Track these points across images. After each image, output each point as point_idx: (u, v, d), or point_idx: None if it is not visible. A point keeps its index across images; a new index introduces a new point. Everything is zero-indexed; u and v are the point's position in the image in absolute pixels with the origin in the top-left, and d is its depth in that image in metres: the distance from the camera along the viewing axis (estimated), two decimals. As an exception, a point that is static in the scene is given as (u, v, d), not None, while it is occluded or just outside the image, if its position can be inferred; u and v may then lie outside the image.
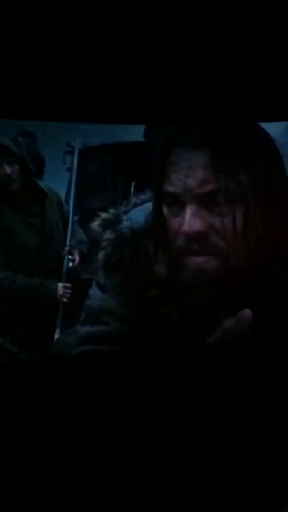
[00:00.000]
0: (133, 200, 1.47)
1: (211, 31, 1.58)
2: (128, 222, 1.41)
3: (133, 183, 1.63)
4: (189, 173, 1.29)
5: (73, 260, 1.71)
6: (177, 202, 1.33)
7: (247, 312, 1.39)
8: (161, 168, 1.33)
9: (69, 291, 1.68)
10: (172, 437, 1.58)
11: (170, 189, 1.32)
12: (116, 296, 1.42)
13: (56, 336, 1.65)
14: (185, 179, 1.29)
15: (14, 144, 1.63)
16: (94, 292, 1.46)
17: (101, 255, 1.44)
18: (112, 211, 1.45)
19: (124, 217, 1.43)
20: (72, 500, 1.41)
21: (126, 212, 1.44)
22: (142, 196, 1.46)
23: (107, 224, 1.43)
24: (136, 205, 1.45)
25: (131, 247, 1.39)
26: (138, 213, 1.41)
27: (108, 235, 1.42)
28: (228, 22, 1.59)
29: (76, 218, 1.72)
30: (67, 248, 1.71)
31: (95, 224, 1.45)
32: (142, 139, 1.70)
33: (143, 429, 1.57)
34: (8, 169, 1.63)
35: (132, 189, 1.62)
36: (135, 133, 1.71)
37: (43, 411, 1.53)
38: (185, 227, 1.30)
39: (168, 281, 1.37)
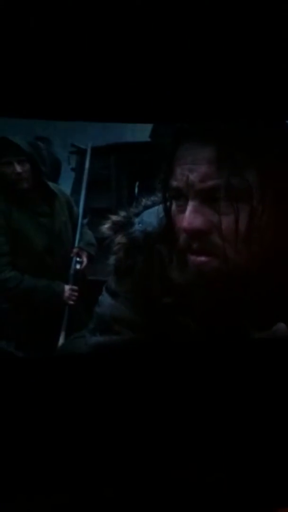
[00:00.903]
0: (144, 201, 1.41)
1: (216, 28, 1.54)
2: (140, 225, 1.34)
3: (137, 183, 1.60)
4: (193, 168, 1.23)
5: (81, 263, 1.68)
6: (182, 198, 1.27)
7: (281, 326, 1.32)
8: (169, 163, 1.28)
9: (76, 293, 1.65)
10: (172, 438, 1.54)
11: (174, 184, 1.27)
12: (128, 304, 1.35)
13: (61, 339, 1.62)
14: (189, 174, 1.23)
15: (28, 145, 1.61)
16: (105, 299, 1.39)
17: (112, 260, 1.37)
18: (122, 213, 1.39)
19: (136, 219, 1.36)
20: (73, 499, 1.38)
21: (137, 214, 1.38)
22: (153, 198, 1.39)
23: (118, 227, 1.37)
24: (147, 207, 1.39)
25: (144, 252, 1.32)
26: (151, 216, 1.35)
27: (120, 239, 1.35)
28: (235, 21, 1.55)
29: (86, 220, 1.69)
30: (75, 250, 1.68)
31: (105, 227, 1.39)
32: (147, 140, 1.67)
33: (147, 436, 1.54)
34: (18, 168, 1.61)
35: (136, 190, 1.60)
36: (140, 133, 1.68)
37: (47, 415, 1.50)
38: (185, 224, 1.24)
39: (185, 287, 1.29)
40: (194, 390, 1.59)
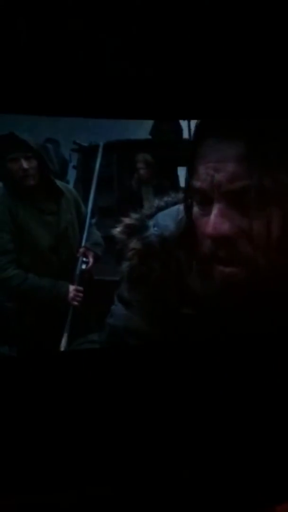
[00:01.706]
0: (156, 202, 1.32)
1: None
2: (155, 228, 1.25)
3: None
4: (219, 166, 1.11)
5: (87, 263, 1.64)
6: (206, 200, 1.15)
7: None
8: (191, 161, 1.17)
9: (80, 294, 1.61)
10: (173, 436, 1.51)
11: (198, 184, 1.15)
12: (143, 314, 1.25)
13: (64, 341, 1.58)
14: (214, 173, 1.12)
15: (35, 141, 1.58)
16: (117, 309, 1.30)
17: (125, 266, 1.27)
18: (134, 215, 1.30)
19: (150, 222, 1.27)
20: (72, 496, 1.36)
21: (150, 216, 1.29)
22: (166, 198, 1.31)
23: (131, 231, 1.27)
24: (160, 208, 1.30)
25: (161, 258, 1.22)
26: (166, 218, 1.26)
27: (134, 244, 1.25)
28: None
29: (94, 220, 1.65)
30: (81, 250, 1.64)
31: (118, 231, 1.30)
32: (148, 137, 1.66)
33: (149, 435, 1.52)
34: (25, 164, 1.58)
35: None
36: (142, 130, 1.66)
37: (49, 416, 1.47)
38: (210, 229, 1.13)
39: (207, 298, 1.19)
40: (199, 392, 1.56)
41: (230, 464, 1.45)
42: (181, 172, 1.92)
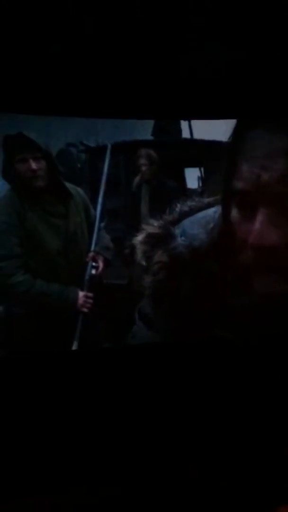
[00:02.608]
0: (179, 207, 1.16)
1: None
2: (183, 238, 1.08)
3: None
4: (266, 164, 0.93)
5: (96, 268, 1.59)
6: (249, 204, 0.98)
7: None
8: (231, 156, 0.98)
9: (90, 300, 1.56)
10: (177, 438, 1.47)
11: (239, 185, 0.97)
12: (170, 337, 1.10)
13: (74, 348, 1.53)
14: (260, 172, 0.94)
15: (44, 142, 1.54)
16: (140, 328, 1.15)
17: (149, 281, 1.10)
18: (155, 222, 1.13)
19: (176, 230, 1.10)
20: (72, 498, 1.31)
21: (173, 223, 1.13)
22: (190, 203, 1.16)
23: (155, 241, 1.10)
24: (183, 213, 1.14)
25: (191, 272, 1.06)
26: (194, 226, 1.10)
27: (160, 256, 1.08)
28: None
29: (103, 224, 1.61)
30: (91, 254, 1.59)
31: (139, 241, 1.13)
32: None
33: (149, 434, 1.48)
34: (34, 165, 1.53)
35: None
36: (144, 131, 1.65)
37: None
38: (253, 238, 0.96)
39: (247, 317, 1.02)
40: (206, 396, 1.54)
41: (233, 465, 1.43)
42: (188, 173, 1.93)
